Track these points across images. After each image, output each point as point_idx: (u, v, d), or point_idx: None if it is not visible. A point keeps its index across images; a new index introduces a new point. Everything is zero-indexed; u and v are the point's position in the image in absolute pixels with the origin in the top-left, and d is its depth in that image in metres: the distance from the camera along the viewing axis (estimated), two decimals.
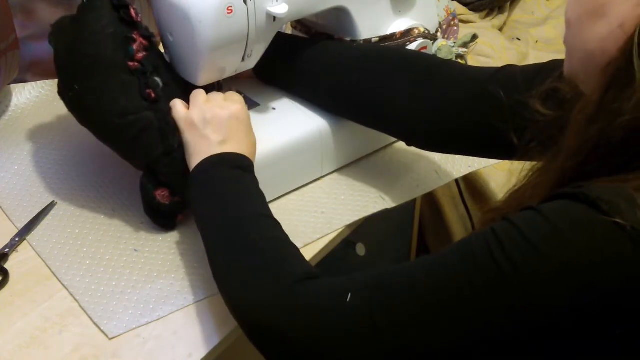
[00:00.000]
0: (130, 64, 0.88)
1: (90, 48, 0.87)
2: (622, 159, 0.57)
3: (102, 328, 0.80)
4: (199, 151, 0.85)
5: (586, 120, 0.59)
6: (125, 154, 0.92)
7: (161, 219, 0.94)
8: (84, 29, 0.88)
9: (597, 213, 0.54)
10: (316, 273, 0.69)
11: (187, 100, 0.92)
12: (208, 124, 0.85)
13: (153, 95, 0.89)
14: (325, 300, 0.65)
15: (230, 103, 0.88)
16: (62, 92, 0.92)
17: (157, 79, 0.90)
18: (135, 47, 0.88)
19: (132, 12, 0.89)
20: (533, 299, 0.55)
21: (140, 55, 0.89)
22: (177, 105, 0.89)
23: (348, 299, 0.63)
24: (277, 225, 0.78)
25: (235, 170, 0.83)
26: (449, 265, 0.59)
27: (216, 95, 0.90)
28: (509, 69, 0.84)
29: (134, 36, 0.89)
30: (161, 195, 0.91)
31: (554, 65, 0.78)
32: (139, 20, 0.90)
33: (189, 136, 0.87)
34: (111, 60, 0.87)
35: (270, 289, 0.68)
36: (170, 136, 0.89)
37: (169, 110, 0.90)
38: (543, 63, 0.82)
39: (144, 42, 0.90)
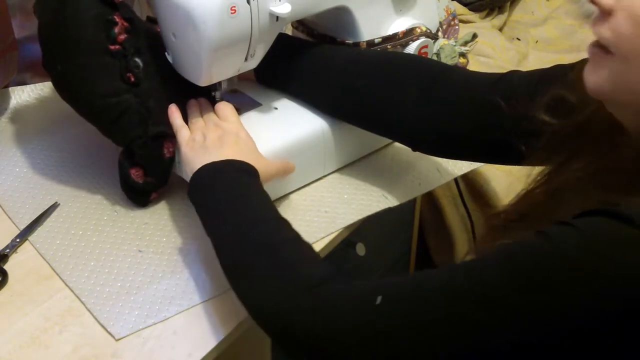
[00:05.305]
0: (112, 47, 0.90)
1: (73, 29, 0.89)
2: None
3: (108, 329, 0.80)
4: (197, 159, 0.85)
5: None
6: (106, 133, 0.95)
7: (135, 195, 0.96)
8: (66, 7, 0.89)
9: (632, 228, 0.53)
10: (331, 273, 0.68)
11: (170, 81, 0.93)
12: (207, 138, 0.87)
13: (133, 78, 0.90)
14: (345, 302, 0.64)
15: (227, 122, 0.91)
16: (47, 67, 0.94)
17: (138, 60, 0.91)
18: (116, 30, 0.90)
19: None
20: (562, 308, 0.54)
21: (121, 37, 0.90)
22: (182, 130, 0.91)
23: (377, 302, 0.62)
24: (287, 224, 0.77)
25: (238, 173, 0.83)
26: (485, 269, 0.58)
27: (212, 117, 0.93)
28: (510, 76, 0.83)
29: (115, 18, 0.90)
30: (135, 174, 0.94)
31: (557, 72, 0.78)
32: (119, 0, 0.91)
33: (187, 150, 0.88)
34: (93, 43, 0.89)
35: (289, 293, 0.67)
36: (148, 121, 0.91)
37: (151, 93, 0.92)
38: (545, 69, 0.81)
39: (125, 23, 0.91)
